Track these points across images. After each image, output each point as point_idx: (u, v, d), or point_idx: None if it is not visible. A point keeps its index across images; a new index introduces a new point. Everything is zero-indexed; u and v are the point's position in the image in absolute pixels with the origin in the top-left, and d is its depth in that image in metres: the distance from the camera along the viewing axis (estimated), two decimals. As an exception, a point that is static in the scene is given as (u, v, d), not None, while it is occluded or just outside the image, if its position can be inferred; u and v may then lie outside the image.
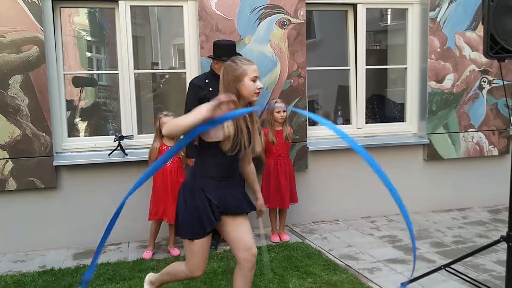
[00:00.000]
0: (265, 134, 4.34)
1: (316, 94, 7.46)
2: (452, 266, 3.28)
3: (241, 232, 2.61)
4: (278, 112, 4.30)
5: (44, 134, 4.22)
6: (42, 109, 4.22)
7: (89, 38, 8.32)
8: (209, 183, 2.54)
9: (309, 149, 4.90)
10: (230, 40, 4.27)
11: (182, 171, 4.13)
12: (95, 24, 8.08)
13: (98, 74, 7.56)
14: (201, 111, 2.20)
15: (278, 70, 4.70)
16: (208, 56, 4.36)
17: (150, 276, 2.98)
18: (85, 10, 7.32)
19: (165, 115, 4.07)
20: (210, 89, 4.13)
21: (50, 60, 4.30)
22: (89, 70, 8.40)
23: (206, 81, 4.19)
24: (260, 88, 2.54)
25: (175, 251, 4.14)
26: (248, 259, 2.58)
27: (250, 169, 2.82)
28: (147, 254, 4.10)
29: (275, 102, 4.39)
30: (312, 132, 5.05)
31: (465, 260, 3.48)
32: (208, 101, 3.83)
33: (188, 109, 4.10)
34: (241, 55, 4.29)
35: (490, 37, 2.73)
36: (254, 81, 2.51)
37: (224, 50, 4.12)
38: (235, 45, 4.23)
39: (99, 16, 7.77)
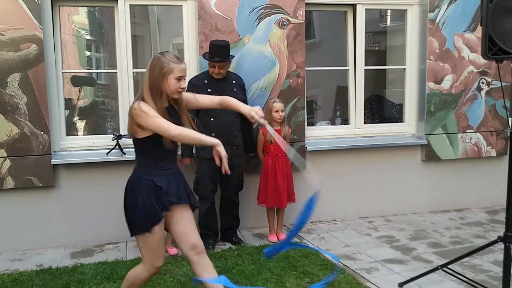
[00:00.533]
0: (263, 133, 4.35)
1: (315, 94, 7.47)
2: (449, 266, 3.29)
3: (184, 226, 2.65)
4: (277, 111, 4.30)
5: (42, 132, 4.22)
6: (40, 108, 4.21)
7: (89, 37, 8.31)
8: (157, 174, 2.59)
9: (307, 149, 4.91)
10: (224, 41, 4.27)
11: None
12: (94, 23, 8.07)
13: (97, 73, 7.55)
14: (212, 140, 2.50)
15: (277, 70, 4.71)
16: (202, 56, 4.37)
17: None
18: (85, 9, 7.31)
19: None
20: (209, 90, 4.13)
21: (49, 59, 4.30)
22: (88, 69, 8.39)
23: (205, 81, 4.19)
24: (183, 88, 2.58)
25: (173, 250, 4.13)
26: (193, 259, 2.63)
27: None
28: (172, 250, 4.10)
29: (273, 102, 4.38)
30: (311, 132, 5.05)
31: (462, 260, 3.49)
32: None
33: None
34: (233, 56, 4.30)
35: (488, 38, 2.73)
36: (179, 79, 2.56)
37: (217, 51, 4.12)
38: (229, 46, 4.22)
39: (99, 15, 7.76)
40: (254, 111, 2.67)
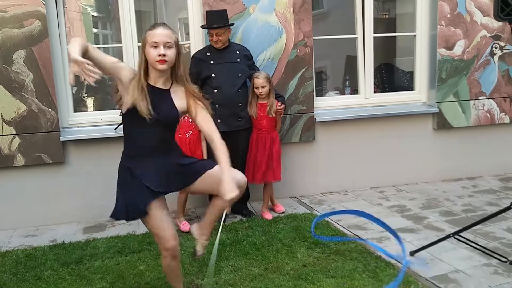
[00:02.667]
0: None
1: (324, 65, 7.36)
2: (461, 234, 3.25)
3: (162, 221, 2.48)
4: (257, 88, 4.11)
5: (49, 109, 4.22)
6: (47, 84, 4.20)
7: (95, 14, 8.25)
8: (139, 161, 2.44)
9: (316, 120, 4.85)
10: (221, 9, 4.18)
11: (200, 142, 4.11)
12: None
13: (102, 48, 7.48)
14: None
15: (283, 39, 4.62)
16: (200, 26, 4.29)
17: None
18: (90, -15, 7.23)
19: None
20: (211, 61, 4.08)
21: (53, 35, 4.26)
22: (95, 44, 8.33)
23: (208, 54, 4.13)
24: (162, 55, 2.31)
25: (185, 227, 4.14)
26: (167, 251, 2.50)
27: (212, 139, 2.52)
28: (184, 226, 4.10)
29: (255, 77, 4.12)
30: (320, 103, 4.99)
31: (474, 228, 3.45)
32: (210, 77, 3.78)
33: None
34: (232, 24, 4.21)
35: (501, -2, 2.63)
36: (154, 47, 2.33)
37: (214, 18, 4.04)
38: (226, 12, 4.13)
39: (105, -9, 7.68)
40: (228, 197, 2.32)
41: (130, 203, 2.43)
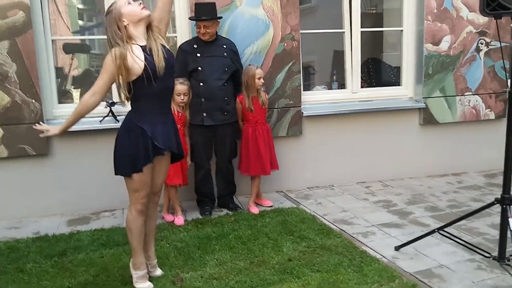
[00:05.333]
0: (240, 101, 4.24)
1: (312, 60, 7.35)
2: (446, 229, 3.28)
3: (160, 171, 2.90)
4: (259, 78, 4.16)
5: (33, 100, 4.15)
6: (30, 76, 4.13)
7: (81, 6, 8.16)
8: (147, 120, 2.71)
9: (304, 114, 4.84)
10: (210, 1, 4.15)
11: (185, 138, 4.09)
12: (85, -9, 7.92)
13: (88, 39, 7.40)
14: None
15: (271, 33, 4.60)
16: (189, 18, 4.26)
17: (130, 261, 3.02)
18: (75, -23, 7.13)
19: (180, 82, 3.97)
20: (198, 54, 4.06)
21: (37, 26, 4.19)
22: (80, 35, 8.24)
23: (195, 46, 4.10)
24: (140, 2, 2.66)
25: (169, 217, 4.13)
26: (153, 199, 2.95)
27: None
28: (179, 220, 4.06)
29: (256, 67, 4.21)
30: (307, 97, 4.98)
31: (459, 223, 3.50)
32: (197, 70, 3.77)
33: (176, 74, 4.03)
34: (221, 17, 4.19)
35: (487, -6, 2.64)
36: (129, 3, 2.64)
37: (202, 10, 4.01)
38: (215, 5, 4.10)
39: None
40: None
41: (135, 158, 2.71)
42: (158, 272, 3.08)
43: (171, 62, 2.79)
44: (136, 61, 2.60)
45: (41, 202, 4.33)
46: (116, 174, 2.80)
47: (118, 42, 2.60)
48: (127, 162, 2.72)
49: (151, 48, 2.66)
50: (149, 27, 2.70)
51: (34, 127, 2.85)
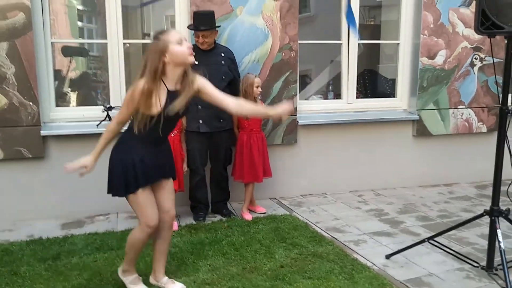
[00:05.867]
0: None
1: (310, 68, 7.42)
2: (436, 239, 3.33)
3: (165, 195, 2.86)
4: (258, 86, 4.23)
5: (31, 103, 4.17)
6: (29, 78, 4.15)
7: (80, 7, 8.18)
8: (142, 148, 2.69)
9: (299, 123, 4.90)
10: (209, 10, 4.19)
11: (181, 144, 4.15)
12: (86, -8, 7.95)
13: (87, 43, 7.45)
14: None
15: (269, 42, 4.66)
16: (187, 27, 4.30)
17: (120, 268, 3.03)
18: (76, -22, 7.17)
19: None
20: (196, 62, 4.09)
21: (37, 28, 4.22)
22: (80, 38, 8.29)
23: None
24: (190, 47, 2.59)
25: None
26: (165, 219, 2.87)
27: (239, 105, 2.82)
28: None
29: (255, 76, 4.29)
30: (302, 106, 5.04)
31: (449, 233, 3.55)
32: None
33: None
34: (219, 26, 4.24)
35: (481, 13, 2.71)
36: (180, 43, 2.56)
37: (202, 20, 4.06)
38: (213, 14, 4.15)
39: (90, -16, 7.63)
40: (284, 114, 2.71)
41: (128, 182, 2.68)
42: (177, 286, 2.99)
43: (188, 106, 2.73)
44: (157, 105, 2.55)
45: (36, 205, 4.34)
46: (108, 193, 2.77)
47: (151, 75, 2.52)
48: (119, 184, 2.70)
49: (178, 94, 2.62)
50: (186, 71, 2.65)
51: (65, 169, 2.71)
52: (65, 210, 4.41)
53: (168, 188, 2.89)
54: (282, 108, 2.69)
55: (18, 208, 4.31)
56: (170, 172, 2.91)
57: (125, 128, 2.74)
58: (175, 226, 4.07)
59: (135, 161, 2.67)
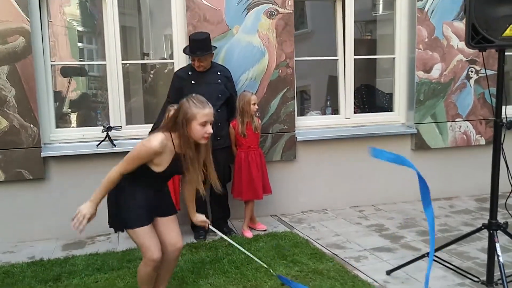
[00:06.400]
0: (233, 126, 4.33)
1: (308, 84, 7.48)
2: (436, 254, 3.32)
3: (168, 229, 2.86)
4: (254, 104, 4.27)
5: (31, 125, 4.22)
6: (29, 100, 4.21)
7: (80, 29, 8.26)
8: (146, 191, 2.73)
9: (298, 139, 4.92)
10: (203, 33, 4.25)
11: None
12: (86, 14, 8.02)
13: (87, 64, 7.52)
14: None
15: (266, 60, 4.71)
16: (183, 51, 4.35)
17: None
18: (76, 0, 7.27)
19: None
20: (192, 82, 4.15)
21: (37, 51, 4.29)
22: (80, 60, 8.36)
23: (189, 73, 4.20)
24: (209, 133, 2.62)
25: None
26: (172, 252, 2.86)
27: (189, 192, 2.97)
28: None
29: (252, 94, 4.34)
30: (301, 122, 5.07)
31: (450, 248, 3.55)
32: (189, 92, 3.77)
33: (169, 100, 4.12)
34: (215, 47, 4.28)
35: (471, 27, 2.75)
36: (203, 125, 2.59)
37: (197, 45, 4.11)
38: (209, 38, 4.20)
39: (90, 6, 7.71)
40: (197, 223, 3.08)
41: (132, 218, 2.71)
42: None
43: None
44: (162, 163, 2.64)
45: (37, 226, 4.36)
46: (110, 227, 2.83)
47: (172, 131, 2.63)
48: (117, 220, 2.76)
49: (180, 156, 2.66)
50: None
51: (72, 226, 2.68)
52: (66, 231, 4.39)
53: (170, 221, 2.89)
54: (199, 219, 3.07)
55: (19, 230, 4.33)
56: (170, 210, 2.93)
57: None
58: None
59: (136, 201, 2.70)
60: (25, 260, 3.89)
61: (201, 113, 2.58)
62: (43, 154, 4.27)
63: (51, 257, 3.92)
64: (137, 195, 2.71)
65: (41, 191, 4.35)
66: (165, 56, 8.01)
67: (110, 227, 2.83)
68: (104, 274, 3.55)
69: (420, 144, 5.30)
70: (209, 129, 2.62)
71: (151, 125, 4.30)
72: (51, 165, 4.36)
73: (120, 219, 2.75)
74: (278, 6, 4.68)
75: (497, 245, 2.87)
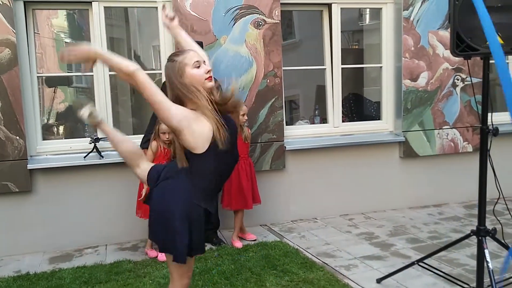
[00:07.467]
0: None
1: (297, 94, 7.51)
2: (426, 261, 3.33)
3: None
4: (243, 114, 4.24)
5: (17, 137, 4.17)
6: (15, 112, 4.16)
7: (68, 40, 8.24)
8: (211, 199, 2.33)
9: (286, 149, 4.93)
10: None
11: None
12: (73, 26, 8.00)
13: (75, 76, 7.48)
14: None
15: (254, 70, 4.72)
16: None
17: None
18: (64, 12, 7.25)
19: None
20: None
21: (23, 63, 4.25)
22: (68, 72, 8.33)
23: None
24: (209, 71, 2.24)
25: (153, 253, 4.12)
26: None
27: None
28: (162, 256, 3.94)
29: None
30: (289, 132, 5.08)
31: (439, 255, 3.55)
32: None
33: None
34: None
35: (456, 35, 2.78)
36: (197, 67, 2.23)
37: None
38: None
39: (78, 17, 7.70)
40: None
41: (196, 243, 2.25)
42: None
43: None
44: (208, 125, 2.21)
45: (23, 239, 4.30)
46: (173, 260, 2.23)
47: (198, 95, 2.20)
48: (184, 244, 2.22)
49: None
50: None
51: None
52: (53, 244, 4.37)
53: None
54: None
55: (5, 243, 4.26)
56: None
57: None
58: (155, 253, 4.06)
59: (201, 219, 2.26)
60: (11, 274, 3.83)
61: (188, 56, 2.23)
62: (30, 166, 4.22)
63: (37, 271, 3.86)
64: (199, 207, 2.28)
65: (28, 203, 4.29)
66: (153, 67, 7.99)
67: (162, 251, 2.46)
68: (92, 287, 3.51)
69: (408, 152, 5.33)
70: (207, 67, 2.26)
71: (140, 136, 4.28)
72: (38, 178, 4.31)
73: (186, 242, 2.22)
74: (265, 16, 4.70)
75: (486, 251, 2.88)
